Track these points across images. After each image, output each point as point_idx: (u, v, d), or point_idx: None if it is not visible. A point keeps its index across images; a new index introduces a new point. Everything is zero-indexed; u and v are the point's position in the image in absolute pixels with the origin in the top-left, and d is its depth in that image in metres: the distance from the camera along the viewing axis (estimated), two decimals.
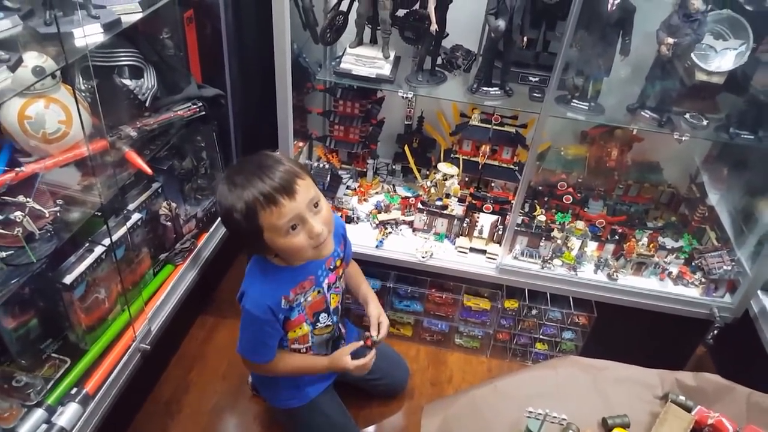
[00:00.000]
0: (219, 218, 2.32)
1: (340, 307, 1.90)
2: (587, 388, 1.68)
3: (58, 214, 1.47)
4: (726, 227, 2.34)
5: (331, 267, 1.78)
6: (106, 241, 1.66)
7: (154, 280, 2.04)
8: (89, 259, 1.60)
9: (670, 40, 1.78)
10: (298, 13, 2.16)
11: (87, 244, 1.64)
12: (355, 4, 2.00)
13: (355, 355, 1.74)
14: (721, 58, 1.89)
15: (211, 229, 2.34)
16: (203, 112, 2.09)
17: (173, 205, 2.12)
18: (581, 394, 1.66)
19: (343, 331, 1.95)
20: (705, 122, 1.98)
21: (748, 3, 1.88)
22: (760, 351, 2.09)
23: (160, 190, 2.06)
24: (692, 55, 1.86)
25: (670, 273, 2.22)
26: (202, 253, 2.28)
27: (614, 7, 1.78)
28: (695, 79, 1.92)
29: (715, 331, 2.12)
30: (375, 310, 1.87)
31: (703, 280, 2.18)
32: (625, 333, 2.29)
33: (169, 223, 2.12)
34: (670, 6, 2.01)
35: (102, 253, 1.64)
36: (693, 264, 2.24)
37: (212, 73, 2.22)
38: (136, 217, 1.88)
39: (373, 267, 2.22)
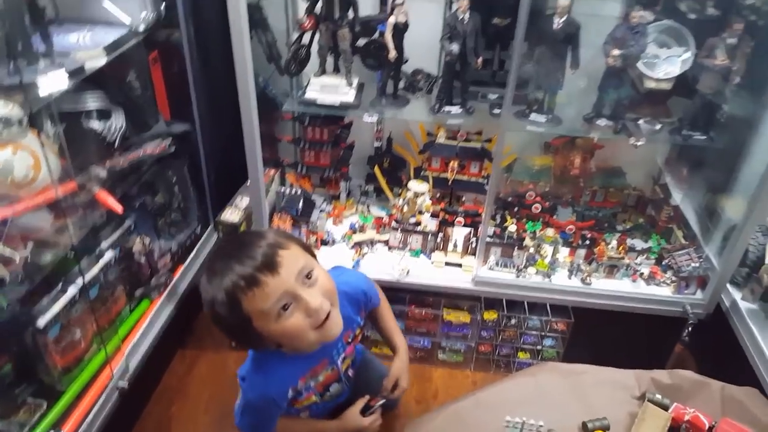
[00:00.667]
0: (192, 254, 2.36)
1: (351, 368, 1.72)
2: (567, 394, 1.71)
3: (29, 258, 1.48)
4: (692, 225, 2.42)
5: (349, 340, 1.58)
6: (80, 281, 1.67)
7: (131, 317, 2.04)
8: (62, 301, 1.61)
9: (616, 52, 1.87)
10: (262, 47, 2.23)
11: (60, 285, 1.65)
12: (317, 37, 2.06)
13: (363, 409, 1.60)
14: (668, 65, 1.98)
15: (187, 262, 2.36)
16: (173, 148, 2.14)
17: (147, 240, 2.15)
18: (561, 399, 1.69)
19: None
20: (658, 126, 2.06)
21: (691, 11, 1.98)
22: (734, 344, 2.14)
23: (132, 226, 2.08)
24: (640, 64, 1.95)
25: (641, 274, 2.27)
26: (179, 287, 2.29)
27: (560, 26, 1.86)
28: (645, 87, 2.01)
29: (690, 328, 2.16)
30: (398, 369, 1.68)
31: (674, 278, 2.23)
32: (604, 336, 2.33)
33: (143, 259, 2.14)
34: (613, 22, 2.13)
35: (75, 294, 1.65)
36: (663, 263, 2.30)
37: (180, 110, 2.26)
38: (109, 255, 1.89)
39: None
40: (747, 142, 2.10)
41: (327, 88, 2.09)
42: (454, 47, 1.87)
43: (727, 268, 2.09)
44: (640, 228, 2.49)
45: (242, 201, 2.27)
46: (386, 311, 1.80)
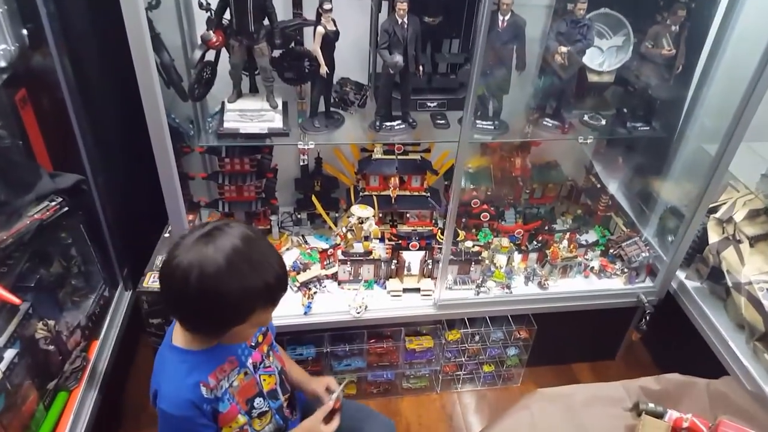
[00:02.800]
0: (105, 324, 1.99)
1: (279, 390, 1.62)
2: (562, 419, 1.63)
3: None
4: (628, 211, 2.44)
5: (253, 344, 1.52)
6: None
7: (48, 416, 1.68)
8: None
9: (564, 49, 1.77)
10: (158, 71, 1.86)
11: None
12: (223, 55, 1.75)
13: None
14: (609, 57, 1.92)
15: (101, 335, 1.98)
16: (66, 208, 1.74)
17: (51, 322, 1.76)
18: (558, 427, 1.60)
19: (292, 417, 1.69)
20: (603, 121, 2.01)
21: None
22: (686, 324, 2.19)
23: (30, 310, 1.67)
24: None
25: (592, 268, 2.25)
26: (98, 367, 1.94)
27: (505, 24, 1.72)
28: (587, 81, 1.94)
29: (647, 317, 2.17)
30: (316, 382, 1.63)
31: (624, 269, 2.23)
32: (564, 336, 2.30)
33: (51, 347, 1.74)
34: (542, 12, 2.02)
35: None
36: (610, 254, 2.30)
37: (65, 157, 1.85)
38: (9, 354, 1.52)
39: (305, 334, 1.99)
40: (681, 128, 2.11)
41: (248, 114, 1.79)
42: (398, 58, 1.66)
43: (677, 257, 2.12)
44: (580, 219, 2.48)
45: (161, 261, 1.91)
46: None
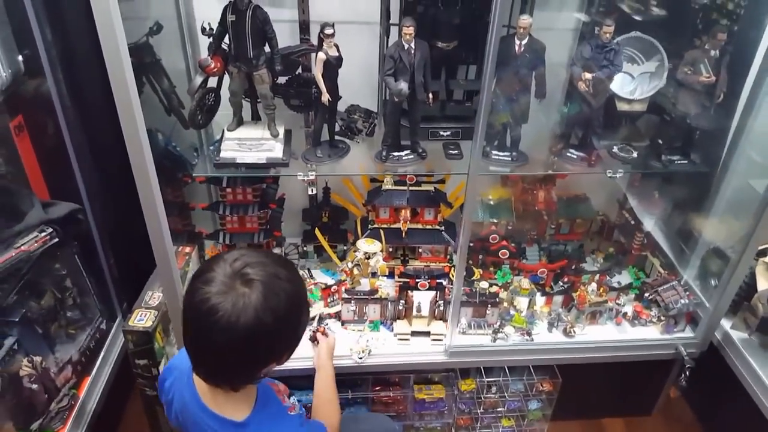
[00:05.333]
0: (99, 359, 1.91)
1: None
2: None
3: None
4: (667, 251, 2.22)
5: None
6: None
7: None
8: None
9: (588, 75, 1.61)
10: (158, 98, 1.80)
11: None
12: (226, 80, 1.67)
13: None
14: (641, 84, 1.75)
15: (94, 371, 1.89)
16: (56, 239, 1.67)
17: (37, 359, 1.67)
18: None
19: None
20: (635, 153, 1.82)
21: (635, 13, 1.75)
22: (731, 379, 1.94)
23: (16, 345, 1.60)
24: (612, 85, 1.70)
25: (625, 315, 2.04)
26: (87, 406, 1.85)
27: (522, 49, 1.58)
28: (617, 110, 1.76)
29: (687, 372, 1.94)
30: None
31: (661, 317, 2.01)
32: (593, 389, 2.09)
33: (35, 385, 1.65)
34: (569, 35, 1.88)
35: None
36: (645, 299, 2.08)
37: (61, 185, 1.79)
38: None
39: (302, 379, 1.85)
40: (724, 161, 1.90)
41: (247, 144, 1.70)
42: (403, 86, 1.53)
43: (721, 304, 1.89)
44: (611, 259, 2.27)
45: (153, 296, 1.81)
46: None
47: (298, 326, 1.15)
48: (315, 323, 1.91)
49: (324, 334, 1.81)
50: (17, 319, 1.63)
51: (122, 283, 2.06)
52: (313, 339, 1.81)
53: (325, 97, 1.58)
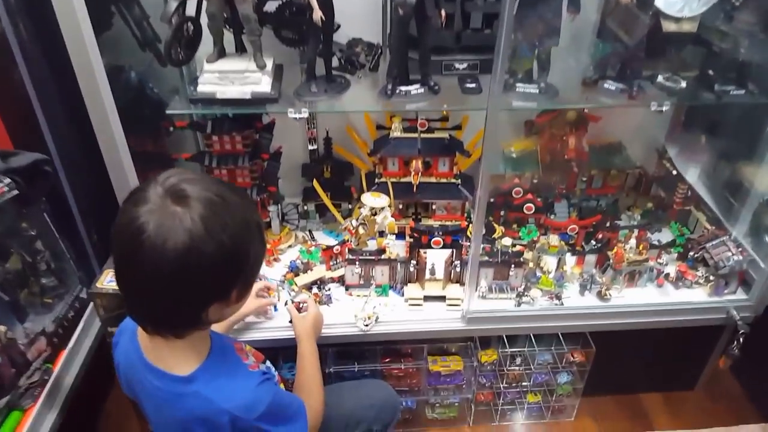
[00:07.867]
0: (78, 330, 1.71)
1: None
2: None
3: None
4: (712, 205, 1.96)
5: None
6: None
7: None
8: None
9: None
10: (129, 28, 1.57)
11: None
12: (204, 4, 1.43)
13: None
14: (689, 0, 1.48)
15: (71, 344, 1.69)
16: (15, 191, 1.46)
17: (1, 329, 1.47)
18: None
19: None
20: (683, 83, 1.56)
21: None
22: None
23: None
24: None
25: (668, 276, 1.79)
26: (63, 382, 1.64)
27: None
28: (662, 31, 1.49)
29: (741, 339, 1.69)
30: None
31: (709, 277, 1.76)
32: (630, 360, 1.86)
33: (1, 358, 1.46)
34: None
35: None
36: (691, 257, 1.83)
37: (26, 134, 1.57)
38: None
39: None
40: None
41: (229, 76, 1.47)
42: None
43: None
44: (650, 215, 2.02)
45: None
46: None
47: (246, 258, 0.95)
48: (314, 288, 1.68)
49: (298, 309, 1.55)
50: None
51: (103, 246, 1.85)
52: (298, 309, 1.56)
53: (317, 14, 1.34)
